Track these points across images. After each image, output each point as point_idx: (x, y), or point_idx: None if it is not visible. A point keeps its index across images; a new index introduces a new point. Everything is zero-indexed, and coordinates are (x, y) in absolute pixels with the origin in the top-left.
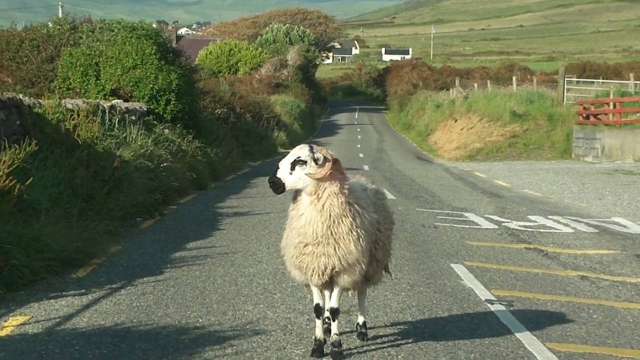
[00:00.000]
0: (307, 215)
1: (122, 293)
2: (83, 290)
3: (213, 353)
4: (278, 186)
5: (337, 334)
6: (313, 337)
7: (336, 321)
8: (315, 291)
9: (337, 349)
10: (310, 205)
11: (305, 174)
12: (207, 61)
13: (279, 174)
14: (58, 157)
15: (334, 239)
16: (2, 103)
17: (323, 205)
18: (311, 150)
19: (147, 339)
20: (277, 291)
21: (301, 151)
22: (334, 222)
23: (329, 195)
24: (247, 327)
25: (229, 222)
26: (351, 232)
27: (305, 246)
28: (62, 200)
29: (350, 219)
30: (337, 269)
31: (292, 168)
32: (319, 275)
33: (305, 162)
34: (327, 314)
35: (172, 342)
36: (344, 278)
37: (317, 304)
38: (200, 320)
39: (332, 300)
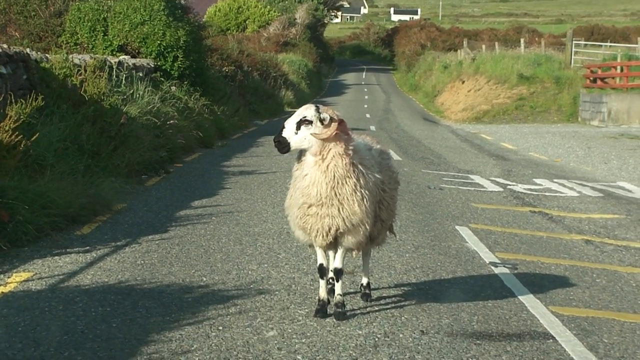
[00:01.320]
0: (311, 175)
1: (126, 251)
2: (87, 248)
3: (216, 312)
4: (283, 145)
5: (340, 295)
6: (317, 297)
7: (340, 282)
8: (319, 251)
9: (340, 310)
10: (315, 165)
11: (311, 134)
12: (215, 18)
13: (285, 134)
14: (64, 112)
15: (338, 200)
16: (8, 57)
17: (327, 166)
18: (317, 110)
19: (151, 296)
20: (282, 251)
21: (307, 111)
22: (337, 183)
23: (333, 156)
24: (251, 286)
25: (234, 180)
26: (355, 192)
27: (309, 207)
28: (68, 156)
29: (354, 180)
30: (341, 230)
31: (298, 128)
32: (322, 236)
33: (311, 122)
34: (331, 274)
35: (176, 300)
36: (348, 239)
37: (321, 264)
38: (204, 279)
39: (336, 261)
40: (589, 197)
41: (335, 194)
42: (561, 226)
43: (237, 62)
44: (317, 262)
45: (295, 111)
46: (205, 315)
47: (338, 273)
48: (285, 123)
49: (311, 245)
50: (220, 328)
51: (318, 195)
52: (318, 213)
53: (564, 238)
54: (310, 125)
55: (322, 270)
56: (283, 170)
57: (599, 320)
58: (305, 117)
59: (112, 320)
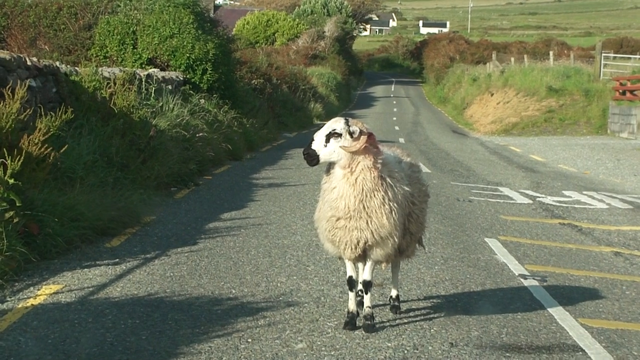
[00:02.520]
0: (340, 188)
1: (155, 263)
2: (117, 260)
3: (245, 324)
4: (312, 158)
5: (369, 307)
6: (346, 309)
7: (369, 294)
8: (348, 264)
9: (369, 322)
10: (343, 178)
11: (340, 146)
12: (244, 31)
13: (314, 146)
14: (94, 125)
15: (367, 213)
16: (38, 70)
17: (356, 179)
18: (347, 123)
19: (180, 309)
20: (311, 263)
21: (337, 124)
22: (366, 196)
23: (362, 169)
24: (280, 298)
25: (263, 193)
26: (383, 205)
27: (337, 220)
28: (97, 168)
29: (383, 193)
30: (369, 243)
31: (327, 140)
32: (351, 248)
33: (340, 135)
34: (359, 286)
35: (205, 312)
36: (377, 251)
37: (350, 277)
38: (233, 291)
39: (365, 273)
40: (619, 209)
41: (364, 207)
42: (590, 238)
43: (266, 74)
44: (346, 275)
45: (324, 123)
46: (234, 328)
47: (367, 285)
48: (315, 135)
49: (340, 258)
50: (250, 340)
51: (346, 208)
52: (346, 226)
53: (593, 250)
54: (339, 138)
55: (351, 283)
56: (312, 183)
57: (628, 332)
58: (334, 129)
59: (141, 333)
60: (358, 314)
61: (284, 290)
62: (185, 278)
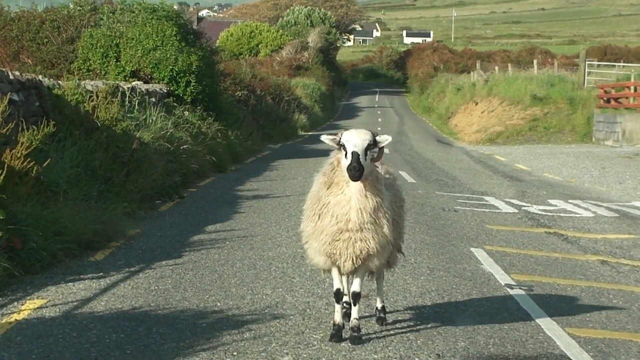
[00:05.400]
0: (356, 201)
1: (140, 276)
2: (101, 274)
3: (231, 337)
4: (361, 172)
5: (357, 319)
6: (332, 322)
7: (357, 305)
8: (336, 276)
9: (356, 334)
10: (360, 191)
11: (371, 159)
12: (228, 43)
13: (361, 159)
14: (77, 138)
15: (377, 224)
16: (21, 84)
17: (371, 191)
18: (374, 134)
19: (165, 323)
20: (296, 275)
21: (368, 135)
22: (376, 206)
23: (372, 180)
24: (266, 311)
25: (248, 205)
26: (385, 214)
27: (341, 232)
28: (81, 182)
29: (382, 202)
30: (370, 253)
31: (366, 153)
32: (352, 260)
33: (373, 146)
34: (346, 298)
35: (190, 326)
36: (374, 262)
37: (338, 289)
38: (219, 304)
39: (354, 285)
40: (604, 217)
41: (375, 218)
42: (577, 247)
43: (250, 86)
44: (333, 287)
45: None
46: (219, 341)
47: (356, 297)
48: (353, 150)
49: (327, 271)
50: (235, 354)
51: (360, 220)
52: (351, 238)
53: (579, 259)
54: (371, 149)
55: (339, 295)
56: (297, 194)
57: (616, 341)
58: (371, 142)
59: (126, 347)
60: (344, 326)
61: (270, 303)
62: (170, 291)
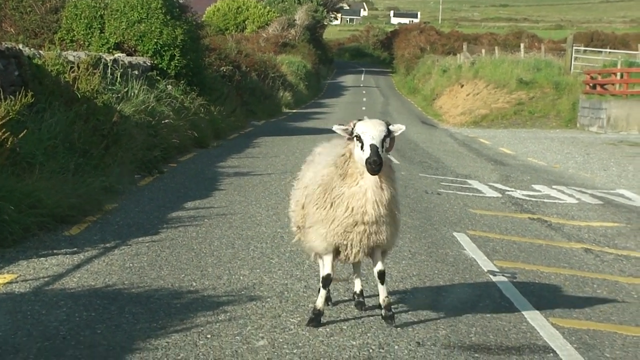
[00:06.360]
0: (372, 193)
1: (115, 253)
2: (75, 249)
3: (205, 319)
4: (381, 166)
5: (387, 297)
6: (312, 305)
7: (384, 284)
8: (330, 261)
9: (391, 312)
10: (375, 182)
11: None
12: (214, 18)
13: (380, 152)
14: (56, 109)
15: (391, 216)
16: (0, 53)
17: (386, 182)
18: (387, 124)
19: (138, 302)
20: (275, 256)
21: (383, 126)
22: (390, 198)
23: (386, 170)
24: (242, 292)
25: (229, 182)
26: (397, 205)
27: (356, 225)
28: (58, 154)
29: (397, 193)
30: (380, 243)
31: (382, 145)
32: (364, 252)
33: (389, 137)
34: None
35: (164, 306)
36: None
37: (329, 274)
38: (194, 284)
39: (378, 265)
40: (589, 204)
41: (390, 210)
42: (560, 234)
43: (235, 62)
44: (322, 272)
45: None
46: (193, 323)
47: (383, 275)
48: (371, 140)
49: (319, 255)
50: (209, 336)
51: (377, 212)
52: (366, 231)
53: (563, 246)
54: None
55: (328, 281)
56: (279, 172)
57: (600, 333)
58: (386, 133)
59: (96, 326)
60: (322, 312)
61: (247, 284)
62: (145, 269)
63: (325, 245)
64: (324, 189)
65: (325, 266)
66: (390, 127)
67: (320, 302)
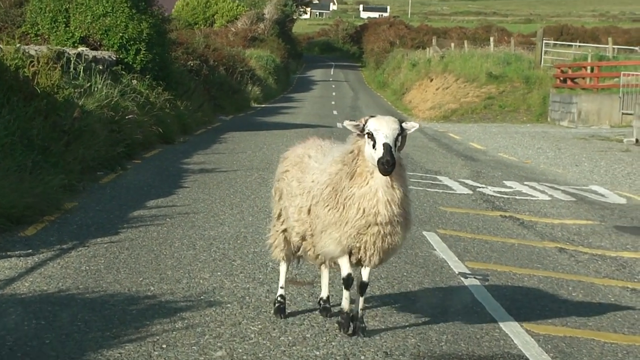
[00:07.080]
0: (383, 193)
1: (71, 255)
2: (30, 251)
3: (162, 327)
4: (394, 166)
5: (362, 309)
6: (340, 309)
7: (363, 296)
8: (346, 262)
9: (363, 324)
10: (386, 182)
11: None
12: (183, 13)
13: (393, 151)
14: (14, 105)
15: (404, 217)
16: None
17: (397, 181)
18: (400, 121)
19: (92, 308)
20: (237, 257)
21: (396, 124)
22: (402, 197)
23: (398, 168)
24: (202, 297)
25: (193, 179)
26: (409, 204)
27: (369, 226)
28: (15, 151)
29: (408, 191)
30: (397, 246)
31: (395, 144)
32: (379, 255)
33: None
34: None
35: (119, 312)
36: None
37: (349, 274)
38: (152, 288)
39: (364, 275)
40: (561, 201)
41: (404, 209)
42: (533, 232)
43: (203, 56)
44: (343, 273)
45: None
46: (149, 331)
47: (364, 287)
48: (384, 139)
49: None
50: (164, 346)
51: (390, 213)
52: (380, 232)
53: (536, 246)
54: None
55: (350, 281)
56: (244, 169)
57: (577, 340)
58: (399, 131)
59: (45, 336)
60: (350, 313)
61: (206, 288)
62: (101, 272)
63: (340, 249)
64: (334, 189)
65: (343, 267)
66: (403, 125)
67: (346, 304)
